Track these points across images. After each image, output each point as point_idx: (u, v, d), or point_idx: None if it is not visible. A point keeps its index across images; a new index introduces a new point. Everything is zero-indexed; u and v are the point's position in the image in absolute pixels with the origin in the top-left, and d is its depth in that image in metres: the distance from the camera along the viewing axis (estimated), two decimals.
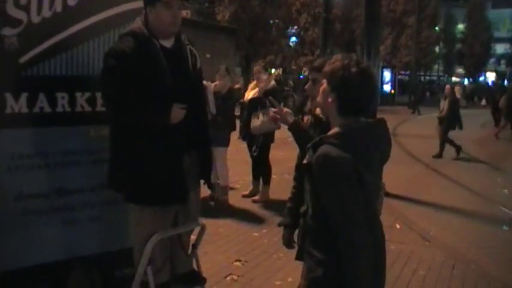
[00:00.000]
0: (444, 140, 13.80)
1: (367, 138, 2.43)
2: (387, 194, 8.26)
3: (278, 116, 3.18)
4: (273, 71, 34.43)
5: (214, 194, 8.08)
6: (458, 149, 13.76)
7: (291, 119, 3.11)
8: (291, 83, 34.18)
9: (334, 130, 2.45)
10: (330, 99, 2.46)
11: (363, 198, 2.34)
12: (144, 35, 3.49)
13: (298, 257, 2.92)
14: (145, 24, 3.54)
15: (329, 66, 2.49)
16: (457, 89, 17.78)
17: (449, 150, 13.92)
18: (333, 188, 2.32)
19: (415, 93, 36.28)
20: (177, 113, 3.47)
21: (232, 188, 8.68)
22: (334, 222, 2.34)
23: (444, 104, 14.06)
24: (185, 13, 27.79)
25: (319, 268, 2.43)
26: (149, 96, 3.42)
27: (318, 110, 3.31)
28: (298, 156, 3.25)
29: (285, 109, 3.24)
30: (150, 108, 3.42)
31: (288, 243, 3.37)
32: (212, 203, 8.04)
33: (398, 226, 7.24)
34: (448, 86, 15.49)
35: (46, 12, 3.68)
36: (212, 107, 7.36)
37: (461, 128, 14.04)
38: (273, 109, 3.26)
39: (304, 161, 2.47)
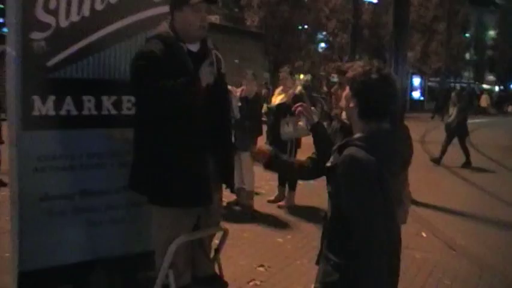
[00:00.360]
0: (463, 147, 13.68)
1: (389, 143, 2.47)
2: (414, 202, 8.19)
3: (304, 111, 3.12)
4: (301, 76, 34.35)
5: (240, 199, 8.09)
6: (467, 159, 13.64)
7: (315, 118, 3.10)
8: (325, 88, 34.15)
9: (359, 134, 2.48)
10: (351, 104, 2.51)
11: (383, 202, 2.35)
12: (171, 38, 3.51)
13: (318, 262, 2.91)
14: (172, 28, 3.56)
15: (351, 72, 2.54)
16: (484, 97, 17.56)
17: (474, 158, 13.73)
18: (357, 188, 2.35)
19: (437, 100, 35.96)
20: (206, 72, 3.44)
21: (257, 193, 8.67)
22: (353, 224, 2.35)
23: (453, 111, 13.97)
24: (214, 18, 27.95)
25: (336, 273, 2.44)
26: None
27: (343, 115, 3.30)
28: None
29: (312, 108, 3.24)
30: (180, 84, 3.37)
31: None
32: (237, 208, 8.05)
33: (424, 234, 7.15)
34: (453, 94, 15.34)
35: (74, 17, 3.75)
36: (236, 112, 7.37)
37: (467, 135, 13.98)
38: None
39: (328, 164, 2.52)
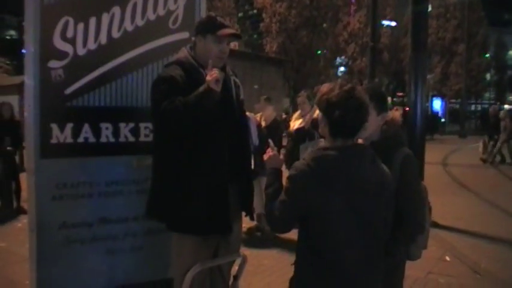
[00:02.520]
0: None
1: (339, 163, 2.54)
2: (436, 225, 8.06)
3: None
4: None
5: (260, 225, 8.03)
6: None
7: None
8: None
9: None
10: (323, 125, 2.64)
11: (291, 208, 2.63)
12: (191, 64, 3.49)
13: None
14: (192, 53, 3.56)
15: (319, 94, 2.67)
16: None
17: (498, 180, 13.55)
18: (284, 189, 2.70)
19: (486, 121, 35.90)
20: (212, 76, 3.30)
21: None
22: None
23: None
24: (233, 45, 28.15)
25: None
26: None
27: (360, 141, 3.26)
28: None
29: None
30: (191, 97, 3.28)
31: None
32: (258, 234, 7.98)
33: (448, 258, 7.01)
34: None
35: (91, 45, 3.79)
36: (255, 139, 7.35)
37: None
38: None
39: None
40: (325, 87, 2.64)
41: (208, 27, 3.50)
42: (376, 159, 2.67)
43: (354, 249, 2.57)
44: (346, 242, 2.56)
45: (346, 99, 2.53)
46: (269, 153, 3.07)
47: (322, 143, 3.19)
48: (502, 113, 17.81)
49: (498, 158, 17.99)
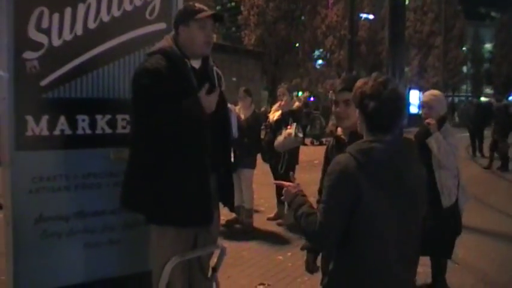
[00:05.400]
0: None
1: (384, 156, 2.41)
2: None
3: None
4: (300, 93, 34.44)
5: (239, 217, 8.03)
6: None
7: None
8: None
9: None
10: (360, 122, 2.54)
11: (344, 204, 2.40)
12: (176, 54, 3.44)
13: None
14: (175, 44, 3.51)
15: (358, 88, 2.54)
16: None
17: (474, 170, 13.71)
18: (328, 183, 2.47)
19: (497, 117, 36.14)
20: (206, 100, 3.37)
21: (257, 211, 8.61)
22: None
23: None
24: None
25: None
26: None
27: (339, 131, 3.26)
28: (320, 180, 3.19)
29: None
30: (182, 108, 3.32)
31: (311, 267, 3.31)
32: (237, 226, 7.98)
33: None
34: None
35: (67, 36, 3.72)
36: (234, 131, 7.34)
37: None
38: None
39: None
40: (360, 82, 2.54)
41: (189, 14, 3.48)
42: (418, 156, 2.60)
43: (395, 249, 2.45)
44: (389, 242, 2.44)
45: (381, 91, 2.43)
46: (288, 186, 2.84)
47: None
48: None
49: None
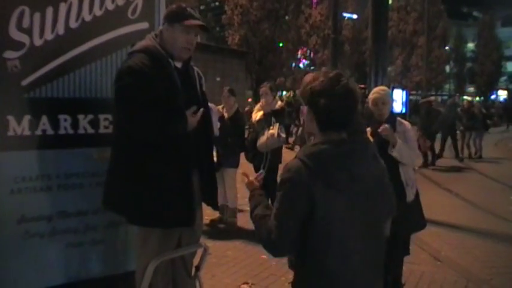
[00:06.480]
0: None
1: (338, 157, 2.32)
2: None
3: None
4: (283, 93, 34.49)
5: (223, 216, 8.03)
6: None
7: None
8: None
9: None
10: (310, 119, 2.42)
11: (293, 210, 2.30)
12: (160, 54, 3.43)
13: None
14: (158, 41, 3.50)
15: (305, 84, 2.46)
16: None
17: (464, 174, 13.80)
18: (279, 191, 2.36)
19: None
20: (191, 120, 3.41)
21: (241, 210, 8.60)
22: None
23: None
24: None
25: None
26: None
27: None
28: None
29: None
30: (169, 119, 3.34)
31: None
32: (221, 225, 7.98)
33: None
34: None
35: (48, 35, 3.70)
36: (216, 130, 7.33)
37: None
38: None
39: None
40: (308, 77, 2.44)
41: (177, 17, 3.46)
42: (377, 155, 2.50)
43: (358, 253, 2.34)
44: (350, 247, 2.32)
45: (332, 87, 2.30)
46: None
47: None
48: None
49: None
